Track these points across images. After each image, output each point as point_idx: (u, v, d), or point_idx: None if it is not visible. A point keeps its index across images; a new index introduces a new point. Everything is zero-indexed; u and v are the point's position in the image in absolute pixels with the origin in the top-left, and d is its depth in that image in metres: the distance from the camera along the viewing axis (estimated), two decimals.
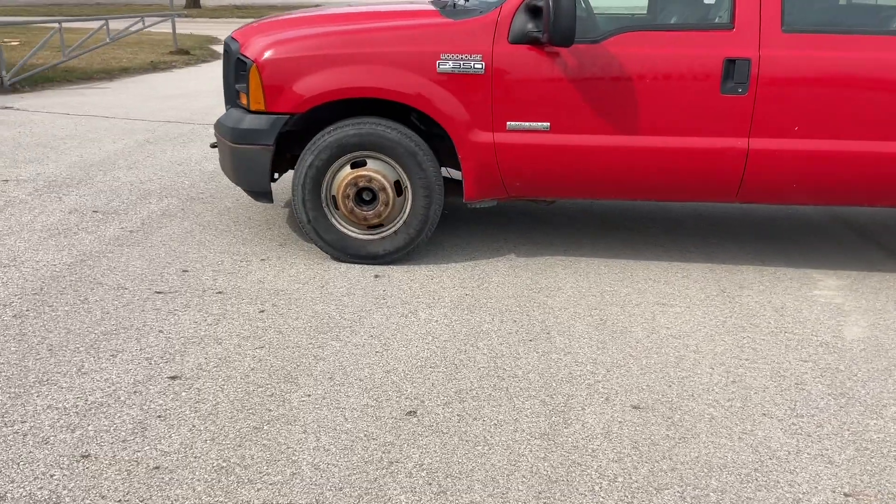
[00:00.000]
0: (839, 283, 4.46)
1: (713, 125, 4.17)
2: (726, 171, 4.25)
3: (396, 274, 4.35)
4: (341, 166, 4.35)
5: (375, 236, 4.45)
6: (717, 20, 4.20)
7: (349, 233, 4.45)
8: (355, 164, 4.34)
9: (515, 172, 4.32)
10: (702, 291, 4.27)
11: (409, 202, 4.38)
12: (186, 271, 4.25)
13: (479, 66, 4.14)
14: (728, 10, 4.10)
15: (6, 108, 9.39)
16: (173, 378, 3.12)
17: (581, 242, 4.97)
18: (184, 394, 3.01)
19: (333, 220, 4.43)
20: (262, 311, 3.78)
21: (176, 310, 3.75)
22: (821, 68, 4.09)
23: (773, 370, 3.41)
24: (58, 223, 4.97)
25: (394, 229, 4.43)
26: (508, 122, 4.22)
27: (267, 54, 4.24)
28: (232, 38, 4.64)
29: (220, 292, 3.99)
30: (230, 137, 4.36)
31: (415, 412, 2.95)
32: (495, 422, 2.91)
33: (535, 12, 4.07)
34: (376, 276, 4.31)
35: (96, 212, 5.23)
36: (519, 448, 2.75)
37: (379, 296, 4.04)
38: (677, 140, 4.20)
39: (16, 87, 11.04)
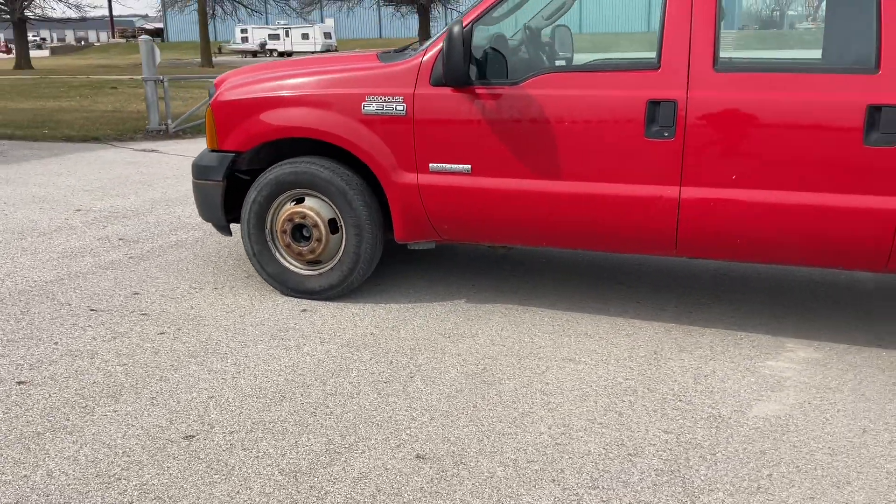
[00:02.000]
0: (807, 356, 3.89)
1: (639, 172, 3.86)
2: (658, 221, 3.90)
3: (325, 310, 4.41)
4: (284, 202, 4.53)
5: (315, 272, 4.56)
6: (643, 60, 3.91)
7: (291, 267, 4.59)
8: (299, 201, 4.50)
9: (440, 214, 4.26)
10: (630, 351, 3.92)
11: (344, 240, 4.45)
12: (137, 294, 4.61)
13: (401, 108, 4.16)
14: (656, 49, 3.82)
15: (152, 150, 10.62)
16: (20, 383, 3.42)
17: (544, 290, 4.74)
18: (14, 397, 3.30)
19: (277, 255, 4.60)
20: (162, 334, 4.02)
21: (88, 326, 4.09)
22: (760, 111, 3.67)
23: (618, 438, 3.06)
24: (78, 247, 5.58)
25: (330, 266, 4.52)
26: (431, 164, 4.18)
27: (220, 98, 4.55)
28: (213, 83, 5.03)
29: (143, 314, 4.28)
30: (193, 174, 4.70)
31: (193, 436, 3.00)
32: (258, 454, 2.89)
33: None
34: (303, 311, 4.40)
35: (121, 239, 5.81)
36: (261, 483, 2.71)
37: (283, 328, 4.13)
38: (602, 186, 3.94)
39: (178, 135, 12.44)
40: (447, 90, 4.07)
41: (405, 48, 4.78)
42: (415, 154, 4.19)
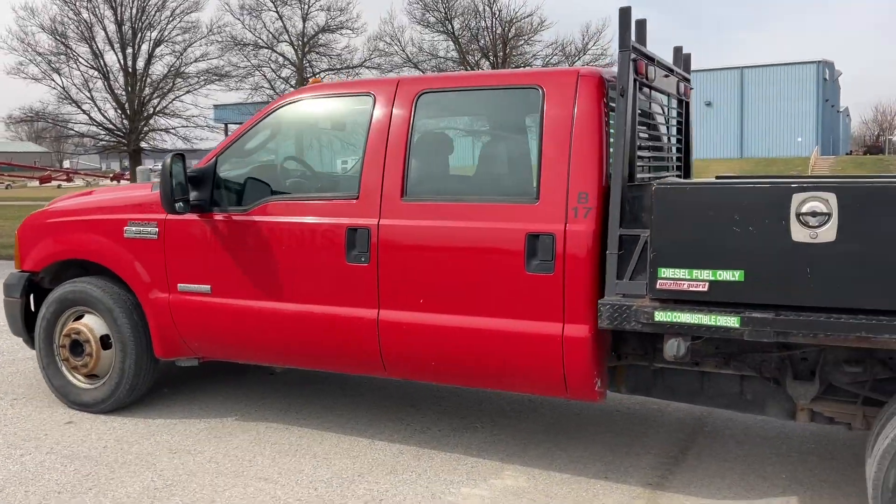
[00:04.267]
0: (511, 485, 3.82)
1: (345, 294, 4.01)
2: (362, 341, 4.01)
3: (90, 424, 4.60)
4: (68, 319, 4.84)
5: (92, 386, 4.79)
6: (346, 189, 4.12)
7: (73, 381, 4.84)
8: (82, 317, 4.80)
9: (189, 332, 4.47)
10: (322, 474, 3.95)
11: (114, 356, 4.69)
12: None
13: (154, 231, 4.48)
14: (357, 180, 4.04)
15: None
16: None
17: (313, 410, 4.82)
18: None
19: (63, 369, 4.87)
20: None
21: None
22: (435, 238, 3.81)
23: None
24: None
25: (103, 380, 4.75)
26: (179, 284, 4.44)
27: (24, 222, 5.00)
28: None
29: None
30: (3, 291, 5.10)
31: None
32: None
33: (197, 182, 4.35)
34: (67, 423, 4.62)
35: None
36: None
37: (23, 437, 4.35)
38: (315, 308, 4.09)
39: None
40: (193, 216, 4.37)
41: None
42: (166, 274, 4.46)
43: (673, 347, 3.29)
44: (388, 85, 4.07)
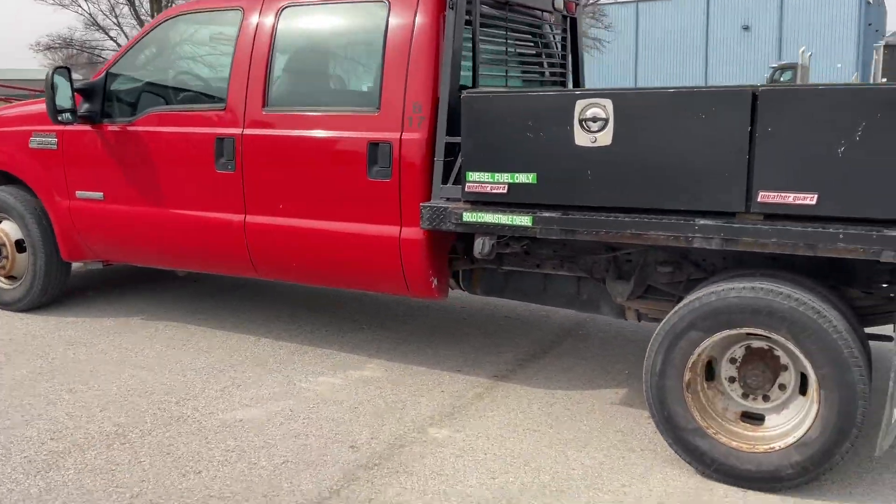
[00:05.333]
0: (366, 375, 4.15)
1: (215, 200, 4.29)
2: (233, 245, 4.30)
3: (7, 320, 5.01)
4: None
5: (11, 287, 5.19)
6: (217, 100, 4.35)
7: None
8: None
9: (87, 236, 4.81)
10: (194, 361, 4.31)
11: (29, 258, 5.07)
12: None
13: (53, 142, 4.78)
14: (225, 91, 4.27)
15: None
16: None
17: (224, 313, 5.18)
18: None
19: None
20: None
21: None
22: (290, 147, 4.05)
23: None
24: None
25: (20, 281, 5.14)
26: (77, 192, 4.76)
27: None
28: None
29: None
30: None
31: None
32: None
33: (88, 94, 4.61)
34: None
35: None
36: None
37: None
38: (192, 213, 4.38)
39: None
40: (87, 126, 4.66)
41: None
42: (66, 182, 4.78)
43: (479, 245, 3.53)
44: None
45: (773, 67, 27.97)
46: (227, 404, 3.77)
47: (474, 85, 3.94)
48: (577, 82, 4.99)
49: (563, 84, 4.87)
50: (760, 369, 3.11)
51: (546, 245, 3.83)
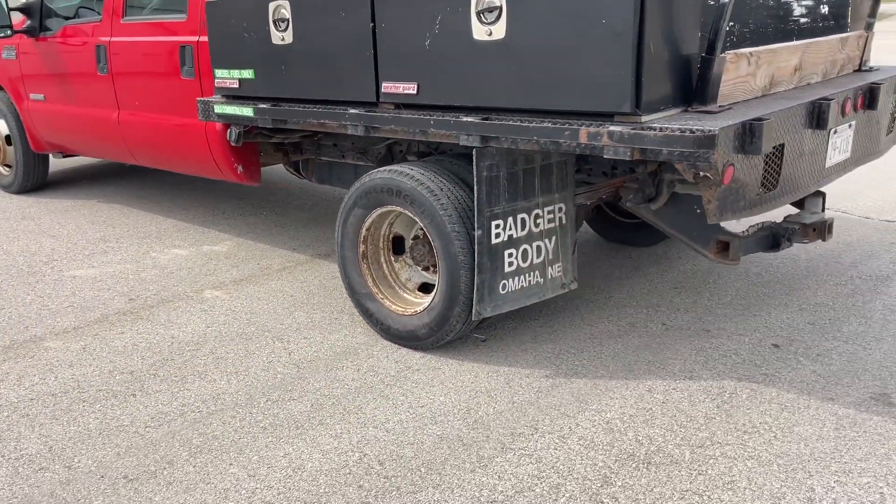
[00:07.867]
0: (212, 249, 4.88)
1: (100, 98, 5.13)
2: (115, 137, 5.14)
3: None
4: None
5: (7, 173, 6.41)
6: (98, 12, 5.09)
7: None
8: None
9: (39, 132, 5.86)
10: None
11: (15, 150, 6.24)
12: None
13: (14, 53, 5.82)
14: (101, 2, 5.02)
15: None
16: None
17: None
18: None
19: None
20: None
21: None
22: (132, 52, 4.76)
23: None
24: None
25: (12, 169, 6.34)
26: (30, 94, 5.80)
27: None
28: None
29: None
30: None
31: None
32: None
33: (29, 12, 5.57)
34: None
35: None
36: None
37: None
38: (93, 111, 5.25)
39: None
40: (32, 39, 5.64)
41: None
42: (24, 86, 5.83)
43: (230, 133, 4.07)
44: None
45: None
46: (78, 264, 4.65)
47: None
48: None
49: None
50: (422, 244, 3.46)
51: (345, 138, 4.26)
